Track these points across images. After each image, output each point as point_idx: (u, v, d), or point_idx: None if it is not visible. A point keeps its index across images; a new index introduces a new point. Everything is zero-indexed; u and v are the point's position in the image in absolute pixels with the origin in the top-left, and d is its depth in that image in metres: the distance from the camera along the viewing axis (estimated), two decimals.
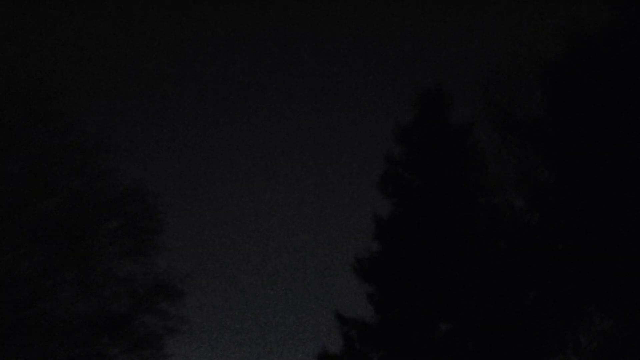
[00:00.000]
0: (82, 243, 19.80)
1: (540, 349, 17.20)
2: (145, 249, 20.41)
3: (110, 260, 20.11)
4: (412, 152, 18.43)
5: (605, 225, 16.77)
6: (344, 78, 32.10)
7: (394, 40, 29.84)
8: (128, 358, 19.92)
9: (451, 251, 17.28)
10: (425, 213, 17.76)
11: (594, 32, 17.88)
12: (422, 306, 17.38)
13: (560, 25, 18.26)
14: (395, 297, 17.92)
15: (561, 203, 18.25)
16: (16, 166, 20.01)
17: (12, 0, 22.92)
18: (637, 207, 16.36)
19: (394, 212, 18.22)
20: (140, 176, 20.88)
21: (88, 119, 20.94)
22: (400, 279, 17.72)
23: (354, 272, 18.34)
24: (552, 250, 17.89)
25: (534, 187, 18.49)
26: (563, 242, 18.12)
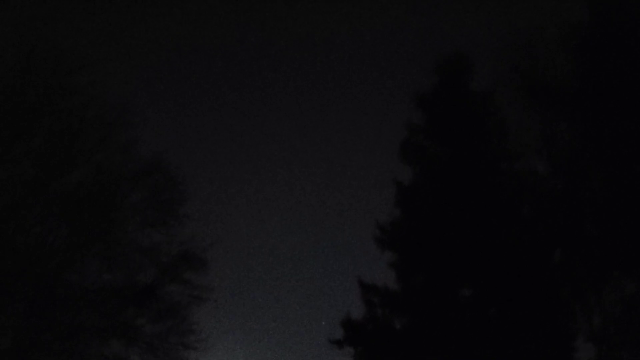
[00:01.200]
0: (106, 216, 19.99)
1: (564, 314, 17.22)
2: (168, 220, 20.55)
3: (134, 232, 20.29)
4: (433, 120, 18.32)
5: (631, 188, 16.66)
6: (366, 45, 31.79)
7: (414, 6, 29.42)
8: (154, 328, 20.17)
9: (473, 218, 17.23)
10: (446, 180, 17.70)
11: None
12: (444, 272, 17.39)
13: None
14: (417, 264, 17.96)
15: (585, 168, 18.13)
16: (39, 141, 20.16)
17: None
18: None
19: (416, 179, 18.19)
20: (163, 148, 20.97)
21: (108, 91, 21.00)
22: (422, 245, 17.73)
23: (375, 241, 18.40)
24: (577, 215, 17.83)
25: (557, 152, 18.36)
26: (587, 207, 18.05)
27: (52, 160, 19.79)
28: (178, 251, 20.43)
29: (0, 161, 19.21)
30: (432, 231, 17.59)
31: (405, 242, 17.98)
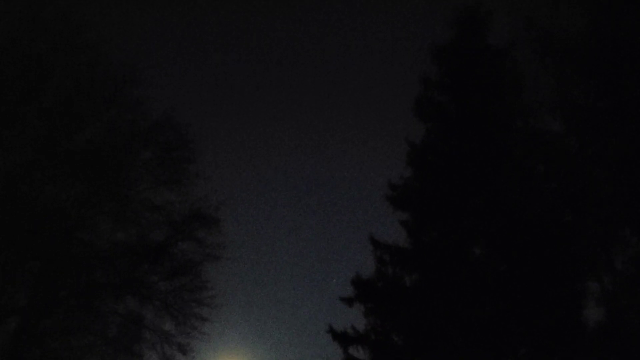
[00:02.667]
0: (118, 174, 20.08)
1: (574, 272, 17.21)
2: (180, 178, 20.65)
3: (146, 190, 20.41)
4: (448, 74, 17.96)
5: None
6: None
7: None
8: (168, 285, 20.51)
9: (486, 175, 17.09)
10: (460, 137, 17.47)
11: None
12: (455, 231, 17.34)
13: None
14: (429, 222, 17.92)
15: (600, 125, 17.88)
16: (49, 99, 20.11)
17: None
18: None
19: (428, 136, 17.97)
20: (172, 105, 20.90)
21: (117, 49, 20.84)
22: (434, 203, 17.64)
23: (387, 200, 18.32)
24: (589, 174, 17.67)
25: (572, 109, 18.08)
26: (600, 165, 17.87)
27: (63, 119, 19.78)
28: (190, 210, 20.60)
29: (11, 120, 19.21)
30: (443, 189, 17.45)
31: (417, 200, 17.89)
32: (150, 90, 20.98)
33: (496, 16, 18.31)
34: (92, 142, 19.95)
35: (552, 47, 18.35)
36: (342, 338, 17.43)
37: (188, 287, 20.40)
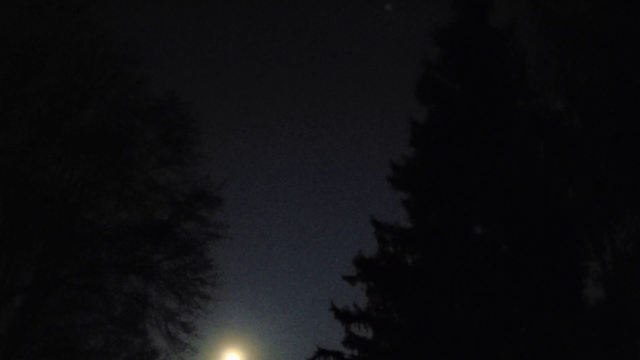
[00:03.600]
0: (121, 154, 20.11)
1: (575, 251, 17.32)
2: (182, 158, 20.70)
3: (149, 170, 20.48)
4: (451, 55, 17.92)
5: None
6: None
7: None
8: (172, 264, 20.66)
9: (488, 155, 17.13)
10: (462, 118, 17.49)
11: None
12: (457, 210, 17.43)
13: None
14: (431, 202, 18.01)
15: (603, 104, 17.85)
16: (51, 78, 20.06)
17: None
18: None
19: (431, 117, 17.99)
20: (174, 85, 20.87)
21: (118, 28, 20.75)
22: (436, 183, 17.71)
23: (389, 180, 18.39)
24: (591, 153, 17.69)
25: (575, 89, 18.03)
26: (602, 144, 17.87)
27: (65, 98, 19.76)
28: (193, 189, 20.69)
29: (13, 99, 19.18)
30: (446, 169, 17.51)
31: (419, 180, 17.95)
32: (152, 69, 20.95)
33: None
34: (94, 122, 19.95)
35: (555, 27, 18.24)
36: (344, 316, 17.63)
37: (191, 266, 20.56)
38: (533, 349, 15.35)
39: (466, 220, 17.59)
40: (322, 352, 17.47)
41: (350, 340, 17.44)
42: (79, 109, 20.01)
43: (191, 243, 20.58)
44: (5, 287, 18.47)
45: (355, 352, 17.38)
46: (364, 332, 17.65)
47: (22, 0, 19.37)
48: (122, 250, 19.97)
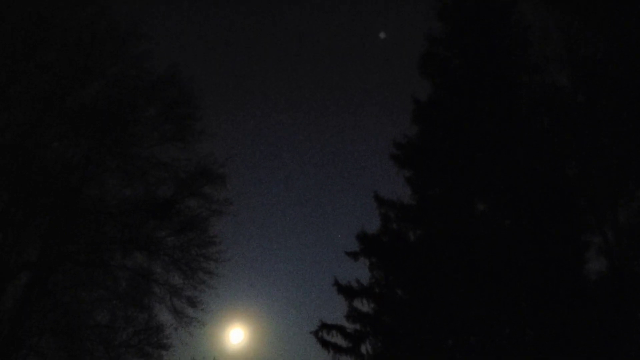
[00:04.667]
0: (123, 130, 20.07)
1: (578, 226, 17.32)
2: (185, 135, 20.67)
3: (153, 147, 20.46)
4: (454, 30, 17.78)
5: None
6: None
7: None
8: (176, 240, 20.73)
9: (491, 130, 17.07)
10: (465, 92, 17.39)
11: None
12: (460, 186, 17.42)
13: None
14: (434, 179, 18.01)
15: (606, 78, 17.70)
16: (52, 55, 19.94)
17: None
18: None
19: (434, 93, 17.91)
20: (175, 61, 20.74)
21: (120, 4, 20.56)
22: (439, 160, 17.70)
23: (392, 158, 18.39)
24: (594, 127, 17.60)
25: (579, 63, 17.86)
26: (606, 118, 17.77)
27: (67, 75, 19.66)
28: (196, 166, 20.69)
29: (14, 75, 19.10)
30: (449, 145, 17.48)
31: (422, 157, 17.95)
32: (154, 44, 20.79)
33: None
34: (96, 98, 19.89)
35: (559, 0, 18.01)
36: (347, 291, 17.77)
37: (195, 242, 20.65)
38: (534, 323, 15.46)
39: (469, 196, 17.60)
40: (324, 326, 17.66)
41: (353, 315, 17.60)
42: (80, 86, 19.93)
43: (195, 219, 20.64)
44: (11, 264, 18.61)
45: (358, 327, 17.55)
46: (367, 307, 17.84)
47: None
48: (127, 227, 20.02)
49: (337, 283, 17.95)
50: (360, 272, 18.18)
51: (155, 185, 20.42)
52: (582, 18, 18.03)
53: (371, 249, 18.16)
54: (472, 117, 17.19)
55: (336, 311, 18.10)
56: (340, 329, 17.59)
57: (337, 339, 17.61)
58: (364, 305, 17.80)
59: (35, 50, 19.45)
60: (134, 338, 20.68)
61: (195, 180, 20.64)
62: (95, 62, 20.22)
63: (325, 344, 17.52)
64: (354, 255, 18.22)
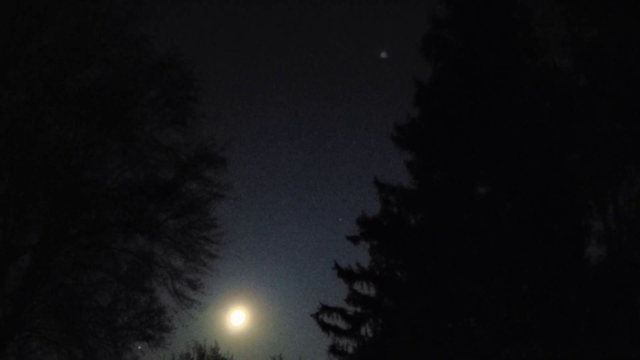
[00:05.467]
0: (124, 113, 19.99)
1: (578, 210, 17.36)
2: (185, 118, 20.56)
3: (153, 130, 20.34)
4: (457, 13, 17.66)
5: None
6: None
7: None
8: (176, 223, 20.77)
9: (493, 114, 17.04)
10: (468, 75, 17.33)
11: None
12: (461, 170, 17.45)
13: None
14: (435, 162, 18.03)
15: (609, 62, 17.62)
16: (51, 37, 19.82)
17: None
18: None
19: (436, 75, 17.84)
20: (176, 44, 20.58)
21: None
22: (440, 143, 17.70)
23: (393, 141, 18.38)
24: (598, 111, 17.55)
25: (582, 47, 17.76)
26: (608, 102, 17.72)
27: (67, 57, 19.54)
28: (196, 150, 20.63)
29: (13, 58, 19.02)
30: (450, 128, 17.47)
31: (423, 140, 17.95)
32: (154, 27, 20.63)
33: None
34: (96, 81, 19.79)
35: None
36: (347, 274, 17.90)
37: (196, 225, 20.69)
38: (534, 306, 15.56)
39: (470, 179, 17.63)
40: (325, 308, 17.81)
41: (353, 298, 17.74)
42: (80, 69, 19.80)
43: (195, 203, 20.67)
44: (13, 246, 18.67)
45: (358, 309, 17.70)
46: (367, 290, 17.96)
47: None
48: (128, 210, 20.06)
49: (337, 266, 18.06)
50: (360, 256, 18.31)
51: (155, 169, 20.39)
52: (584, 2, 17.91)
53: (372, 232, 18.24)
54: (474, 100, 17.16)
55: (337, 294, 18.24)
56: (340, 312, 17.73)
57: (338, 322, 17.78)
58: (364, 289, 17.96)
59: (34, 32, 19.33)
60: (136, 320, 20.82)
61: (195, 164, 20.62)
62: (95, 44, 20.08)
63: (325, 327, 17.68)
64: (354, 240, 18.31)
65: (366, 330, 17.74)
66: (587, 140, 17.71)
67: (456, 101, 17.31)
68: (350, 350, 17.52)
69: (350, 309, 17.79)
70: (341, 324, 17.75)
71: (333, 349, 17.52)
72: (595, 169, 17.98)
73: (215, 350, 40.41)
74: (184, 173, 20.56)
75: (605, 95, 17.78)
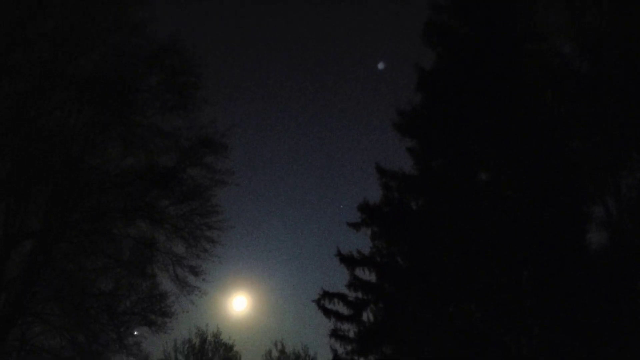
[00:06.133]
0: (125, 99, 19.99)
1: (579, 196, 17.34)
2: (186, 104, 20.56)
3: (154, 116, 20.40)
4: None
5: None
6: None
7: None
8: (178, 209, 20.85)
9: (495, 100, 16.95)
10: (469, 62, 17.21)
11: None
12: (463, 156, 17.39)
13: None
14: (437, 148, 17.96)
15: (612, 48, 17.53)
16: (52, 22, 19.75)
17: None
18: None
19: (438, 62, 17.72)
20: (177, 29, 20.54)
21: None
22: (442, 129, 17.62)
23: (395, 127, 18.30)
24: (600, 97, 17.49)
25: (584, 31, 17.65)
26: (611, 87, 17.64)
27: (67, 42, 19.50)
28: (198, 136, 20.64)
29: (14, 43, 18.95)
30: (452, 114, 17.37)
31: (425, 126, 17.87)
32: (156, 11, 20.55)
33: None
34: (97, 66, 19.75)
35: None
36: (348, 260, 17.90)
37: (198, 211, 20.76)
38: (534, 293, 15.59)
39: (471, 165, 17.57)
40: (326, 294, 17.84)
41: (355, 284, 17.75)
42: (81, 54, 19.77)
43: (197, 189, 20.71)
44: (15, 232, 18.73)
45: (359, 295, 17.72)
46: (368, 275, 17.99)
47: None
48: (129, 196, 20.11)
49: (339, 253, 18.06)
50: (361, 243, 18.33)
51: (157, 155, 20.43)
52: None
53: (373, 219, 18.21)
54: (476, 86, 17.06)
55: (338, 281, 18.28)
56: (341, 297, 17.77)
57: (339, 307, 17.81)
58: (365, 274, 17.97)
59: (34, 17, 19.25)
60: (138, 306, 20.97)
61: (197, 150, 20.63)
62: (95, 30, 20.03)
63: (327, 312, 17.73)
64: (355, 226, 18.29)
65: (368, 315, 17.80)
66: (589, 126, 17.67)
67: (458, 87, 17.20)
68: (351, 334, 17.59)
69: (352, 295, 17.81)
70: (342, 309, 17.78)
71: (334, 333, 17.57)
72: (597, 155, 17.95)
73: (217, 335, 40.77)
74: (185, 159, 20.58)
75: (607, 81, 17.71)
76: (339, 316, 17.67)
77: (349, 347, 17.49)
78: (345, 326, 17.65)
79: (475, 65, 17.01)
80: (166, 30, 20.50)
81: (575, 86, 17.48)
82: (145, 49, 20.36)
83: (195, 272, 20.82)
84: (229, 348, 40.85)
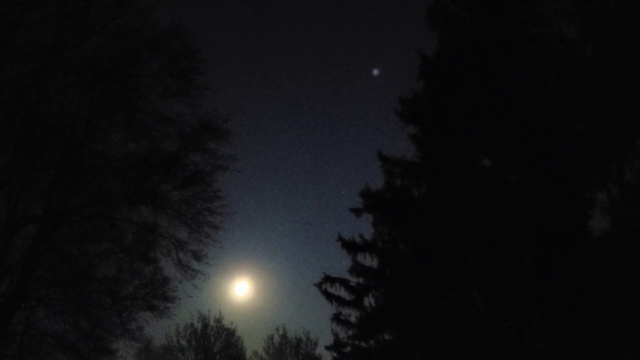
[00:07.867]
0: (127, 84, 19.94)
1: (583, 182, 17.29)
2: (188, 90, 20.51)
3: (157, 102, 20.34)
4: None
5: None
6: None
7: None
8: (180, 194, 20.86)
9: (498, 85, 16.87)
10: (473, 47, 17.11)
11: None
12: (465, 142, 17.34)
13: None
14: (439, 134, 17.91)
15: (616, 32, 17.41)
16: (54, 6, 19.66)
17: None
18: None
19: (441, 47, 17.63)
20: (179, 14, 20.43)
21: None
22: (445, 115, 17.57)
23: (397, 115, 18.26)
24: (603, 82, 17.39)
25: (588, 16, 17.52)
26: (614, 74, 17.55)
27: (69, 27, 19.41)
28: (200, 121, 20.61)
29: (15, 27, 18.87)
30: (455, 100, 17.30)
31: (428, 113, 17.82)
32: None
33: None
34: (99, 51, 19.68)
35: None
36: (350, 246, 17.95)
37: (200, 196, 20.78)
38: (537, 279, 15.59)
39: (474, 151, 17.53)
40: (328, 278, 17.92)
41: (356, 269, 17.81)
42: (83, 38, 19.68)
43: (199, 174, 20.71)
44: (18, 216, 18.78)
45: (361, 280, 17.79)
46: (370, 261, 18.04)
47: None
48: (131, 181, 20.12)
49: (341, 238, 18.10)
50: (363, 229, 18.37)
51: (159, 140, 20.44)
52: None
53: (375, 205, 18.23)
54: (479, 72, 16.97)
55: (340, 266, 18.32)
56: (343, 282, 17.84)
57: (341, 292, 17.90)
58: (367, 260, 18.02)
59: (35, 1, 19.15)
60: (140, 290, 21.03)
61: (199, 135, 20.62)
62: (97, 14, 19.92)
63: (328, 296, 17.82)
64: (357, 212, 18.32)
65: (369, 300, 17.87)
66: (592, 111, 17.58)
67: (460, 73, 17.12)
68: (352, 319, 17.67)
69: (353, 280, 17.89)
70: (344, 294, 17.87)
71: (336, 317, 17.68)
72: (600, 140, 17.89)
73: (219, 320, 41.03)
74: (187, 144, 20.58)
75: (611, 65, 17.60)
76: (340, 301, 17.76)
77: (350, 332, 17.59)
78: (347, 311, 17.75)
79: (479, 50, 16.92)
80: (169, 16, 20.40)
81: (579, 71, 17.38)
82: (148, 34, 20.27)
83: (197, 256, 20.88)
84: (231, 333, 41.14)
